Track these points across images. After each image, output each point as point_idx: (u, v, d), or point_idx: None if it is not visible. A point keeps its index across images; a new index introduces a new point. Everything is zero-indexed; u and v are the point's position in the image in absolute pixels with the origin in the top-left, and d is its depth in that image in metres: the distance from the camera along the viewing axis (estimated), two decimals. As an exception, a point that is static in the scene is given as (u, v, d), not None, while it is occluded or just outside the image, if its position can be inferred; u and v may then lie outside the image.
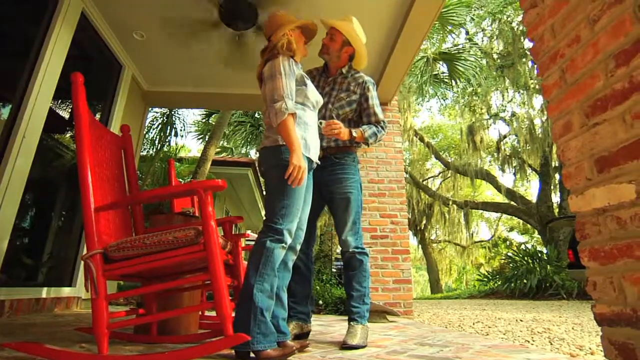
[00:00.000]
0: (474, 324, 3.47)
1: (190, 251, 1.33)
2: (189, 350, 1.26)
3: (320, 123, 1.87)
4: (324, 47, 2.03)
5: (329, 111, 2.02)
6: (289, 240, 1.54)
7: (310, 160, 1.66)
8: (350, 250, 1.94)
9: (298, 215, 1.58)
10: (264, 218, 1.56)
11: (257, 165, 1.73)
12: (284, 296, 1.61)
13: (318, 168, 1.87)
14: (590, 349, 2.10)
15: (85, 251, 1.33)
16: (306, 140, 1.63)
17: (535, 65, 1.24)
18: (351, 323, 1.85)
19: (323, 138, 1.93)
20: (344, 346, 1.70)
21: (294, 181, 1.48)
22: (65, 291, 3.15)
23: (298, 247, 1.69)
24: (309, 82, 1.72)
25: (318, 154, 1.74)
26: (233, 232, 2.04)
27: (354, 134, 1.92)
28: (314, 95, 1.73)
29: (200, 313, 2.28)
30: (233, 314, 1.38)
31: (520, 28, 11.31)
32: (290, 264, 1.66)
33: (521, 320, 3.74)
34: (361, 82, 2.04)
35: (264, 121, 1.73)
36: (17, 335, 1.75)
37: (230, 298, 1.36)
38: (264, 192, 1.61)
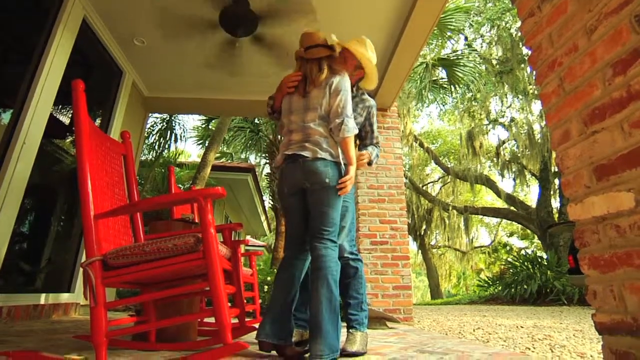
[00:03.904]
0: (474, 330, 3.45)
1: (189, 259, 1.32)
2: (187, 358, 1.25)
3: None
4: None
5: None
6: None
7: None
8: (345, 255, 1.95)
9: None
10: (323, 231, 1.62)
11: (302, 172, 1.60)
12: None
13: None
14: (591, 356, 2.10)
15: (84, 257, 1.33)
16: None
17: (534, 72, 1.25)
18: (350, 330, 1.84)
19: None
20: (343, 353, 1.69)
21: (343, 190, 1.62)
22: (64, 297, 3.13)
23: None
24: None
25: None
26: (233, 238, 2.04)
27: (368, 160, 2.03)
28: None
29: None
30: (233, 321, 1.37)
31: (519, 34, 11.38)
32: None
33: (522, 327, 3.72)
34: (367, 106, 2.11)
35: (311, 131, 1.67)
36: (14, 343, 1.74)
37: (229, 305, 1.36)
38: (315, 204, 1.63)
